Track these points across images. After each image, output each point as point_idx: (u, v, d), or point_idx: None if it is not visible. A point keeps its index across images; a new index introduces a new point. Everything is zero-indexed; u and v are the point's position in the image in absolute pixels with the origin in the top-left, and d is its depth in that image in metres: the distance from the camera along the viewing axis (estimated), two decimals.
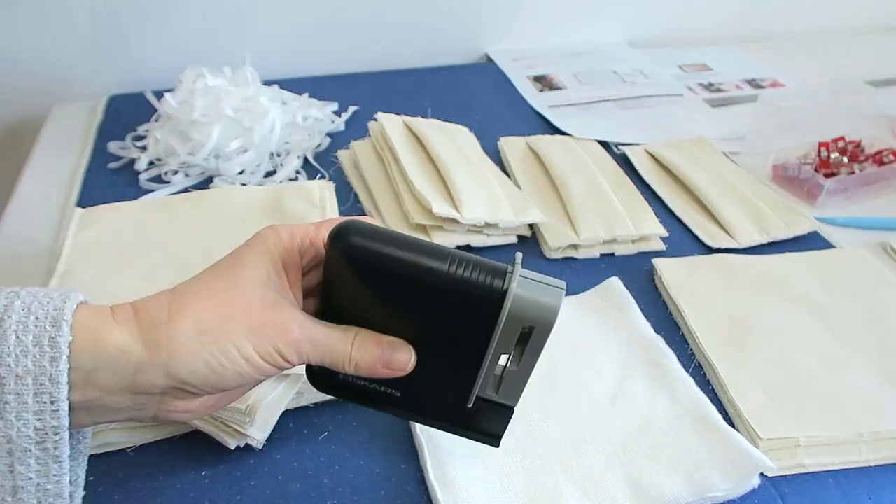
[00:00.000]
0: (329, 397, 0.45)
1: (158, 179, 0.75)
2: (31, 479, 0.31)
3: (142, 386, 0.32)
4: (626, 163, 0.80)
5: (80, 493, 0.35)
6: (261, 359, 0.33)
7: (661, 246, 0.68)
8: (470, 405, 0.38)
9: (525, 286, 0.33)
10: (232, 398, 0.37)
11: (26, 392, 0.29)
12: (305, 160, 0.79)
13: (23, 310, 0.30)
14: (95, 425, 0.35)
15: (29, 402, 0.29)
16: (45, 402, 0.30)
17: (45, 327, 0.30)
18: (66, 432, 0.30)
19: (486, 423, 0.39)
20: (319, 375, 0.39)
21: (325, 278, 0.36)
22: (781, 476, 0.47)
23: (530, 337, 0.34)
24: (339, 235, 0.34)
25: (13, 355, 0.29)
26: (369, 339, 0.36)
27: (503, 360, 0.37)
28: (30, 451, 0.30)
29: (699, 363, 0.55)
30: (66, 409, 0.30)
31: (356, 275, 0.34)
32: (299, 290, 0.37)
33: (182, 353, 0.32)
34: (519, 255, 0.34)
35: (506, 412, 0.39)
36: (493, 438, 0.40)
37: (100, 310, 0.32)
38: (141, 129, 0.83)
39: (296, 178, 0.76)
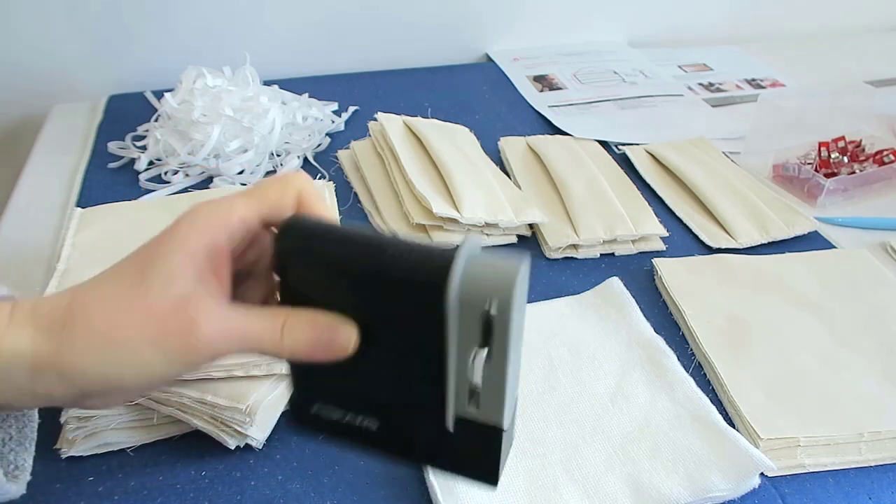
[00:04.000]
0: None
1: (158, 179, 0.75)
2: None
3: (42, 391, 0.29)
4: (626, 163, 0.80)
5: (26, 476, 0.34)
6: (164, 368, 0.29)
7: (661, 246, 0.68)
8: (450, 428, 0.32)
9: (474, 262, 0.29)
10: (156, 392, 0.34)
11: None
12: (305, 160, 0.79)
13: None
14: (34, 416, 0.34)
15: None
16: None
17: None
18: None
19: (474, 453, 0.33)
20: (296, 413, 0.36)
21: (277, 270, 0.33)
22: (781, 476, 0.47)
23: (493, 321, 0.29)
24: (280, 236, 0.31)
25: None
26: (303, 320, 0.30)
27: (478, 365, 0.31)
28: None
29: (699, 363, 0.55)
30: None
31: (301, 273, 0.32)
32: (224, 276, 0.31)
33: (74, 364, 0.29)
34: (472, 236, 0.30)
35: (494, 437, 0.32)
36: (488, 475, 0.33)
37: (0, 308, 0.30)
38: (141, 129, 0.83)
39: None
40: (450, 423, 0.32)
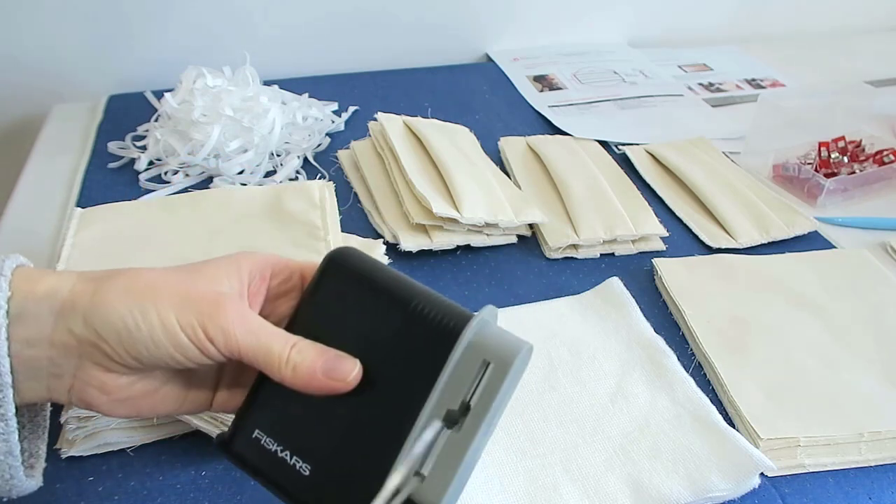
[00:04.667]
0: None
1: (158, 179, 0.75)
2: None
3: (60, 335, 0.31)
4: (626, 163, 0.80)
5: (42, 464, 0.35)
6: (180, 329, 0.31)
7: (661, 246, 0.68)
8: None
9: (488, 330, 0.31)
10: (155, 405, 0.34)
11: None
12: (305, 160, 0.79)
13: None
14: (46, 405, 0.35)
15: None
16: None
17: None
18: (9, 390, 0.30)
19: None
20: (230, 437, 0.34)
21: (300, 299, 0.35)
22: (781, 476, 0.47)
23: (482, 382, 0.30)
24: (332, 255, 0.35)
25: None
26: (312, 347, 0.32)
27: (439, 436, 0.30)
28: None
29: (699, 363, 0.55)
30: (8, 365, 0.30)
31: (331, 296, 0.34)
32: (258, 303, 0.35)
33: (103, 303, 0.31)
34: (490, 308, 0.33)
35: None
36: None
37: (37, 269, 0.32)
38: (141, 129, 0.83)
39: (296, 178, 0.76)
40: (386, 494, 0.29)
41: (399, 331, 0.32)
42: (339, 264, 0.35)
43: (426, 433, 0.30)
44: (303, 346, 0.32)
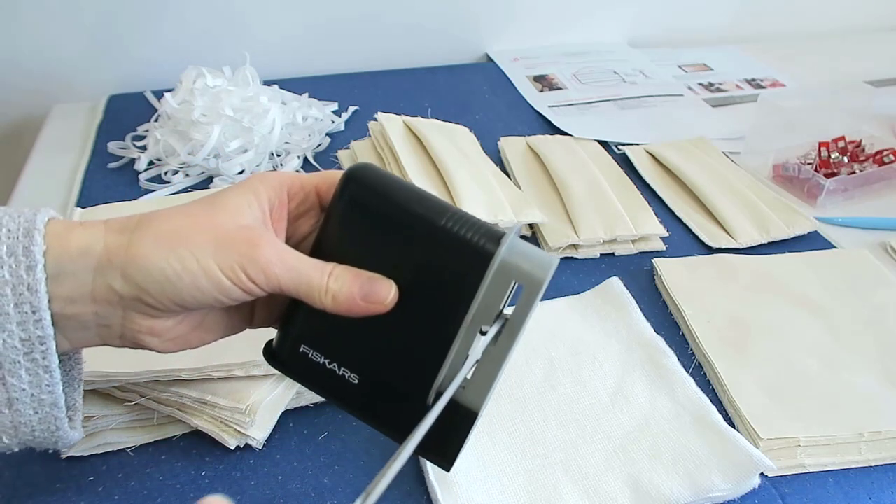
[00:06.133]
0: None
1: (158, 179, 0.75)
2: (24, 389, 0.31)
3: (101, 291, 0.31)
4: (626, 163, 0.80)
5: (79, 416, 0.35)
6: (222, 274, 0.31)
7: (661, 246, 0.68)
8: (430, 400, 0.34)
9: (519, 246, 0.33)
10: (203, 336, 0.35)
11: (6, 303, 0.29)
12: (305, 160, 0.79)
13: None
14: (75, 350, 0.35)
15: (11, 313, 0.29)
16: (26, 313, 0.29)
17: (17, 237, 0.30)
18: (52, 342, 0.30)
19: (440, 433, 0.32)
20: (278, 350, 0.36)
21: (324, 220, 0.35)
22: (781, 476, 0.47)
23: (517, 304, 0.33)
24: (350, 173, 0.34)
25: None
26: (348, 272, 0.33)
27: (479, 347, 0.33)
28: (19, 362, 0.30)
29: (699, 363, 0.55)
30: (49, 318, 0.30)
31: (356, 215, 0.34)
32: (281, 230, 0.36)
33: (140, 256, 0.30)
34: (517, 225, 0.34)
35: (466, 421, 0.34)
36: (447, 457, 0.34)
37: (67, 221, 0.32)
38: (141, 129, 0.83)
39: None
40: (431, 396, 0.34)
41: (429, 249, 0.32)
42: (358, 182, 0.34)
43: (476, 348, 0.33)
44: (338, 273, 0.33)
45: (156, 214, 0.32)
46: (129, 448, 0.46)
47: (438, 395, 0.33)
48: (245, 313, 0.37)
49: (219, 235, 0.31)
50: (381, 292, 0.33)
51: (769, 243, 0.68)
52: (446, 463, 0.34)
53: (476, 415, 0.33)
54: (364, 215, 0.34)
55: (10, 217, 0.31)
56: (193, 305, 0.32)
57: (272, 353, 0.37)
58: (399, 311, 0.33)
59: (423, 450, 0.33)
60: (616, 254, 0.67)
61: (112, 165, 0.78)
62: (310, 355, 0.35)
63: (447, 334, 0.33)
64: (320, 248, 0.35)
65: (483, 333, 0.33)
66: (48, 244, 0.30)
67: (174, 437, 0.47)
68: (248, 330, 0.38)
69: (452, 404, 0.33)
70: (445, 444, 0.34)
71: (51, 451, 0.44)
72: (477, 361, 0.33)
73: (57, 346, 0.31)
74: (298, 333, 0.36)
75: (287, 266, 0.32)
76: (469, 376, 0.33)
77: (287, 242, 0.36)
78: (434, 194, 0.34)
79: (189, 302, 0.32)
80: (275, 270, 0.32)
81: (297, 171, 0.77)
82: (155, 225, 0.32)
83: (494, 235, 0.32)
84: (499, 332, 0.33)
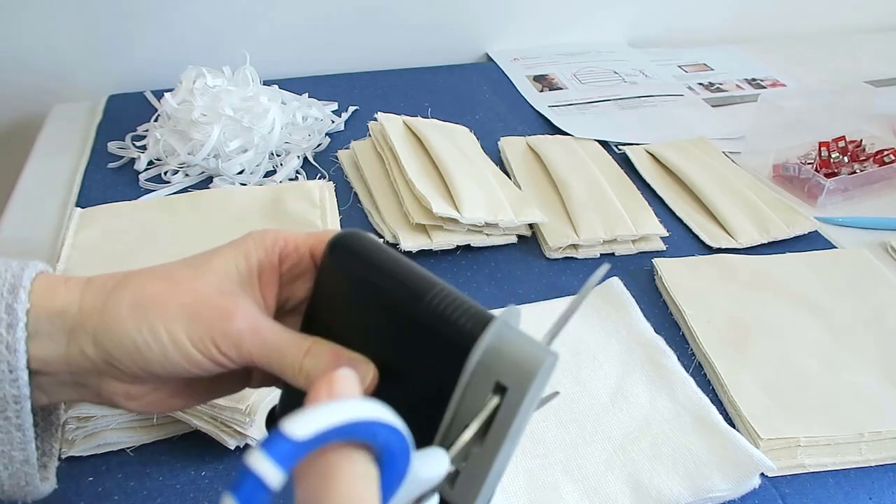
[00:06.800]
0: None
1: (158, 179, 0.75)
2: None
3: (74, 355, 0.30)
4: (626, 163, 0.80)
5: (55, 462, 0.35)
6: (192, 346, 0.30)
7: (661, 246, 0.68)
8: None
9: (505, 337, 0.28)
10: (187, 400, 0.34)
11: None
12: (305, 160, 0.79)
13: None
14: (53, 405, 0.34)
15: None
16: (3, 371, 0.29)
17: (2, 294, 0.29)
18: (27, 402, 0.30)
19: None
20: (280, 417, 0.34)
21: (312, 288, 0.33)
22: (781, 476, 0.47)
23: (500, 407, 0.28)
24: (337, 240, 0.32)
25: None
26: (326, 349, 0.31)
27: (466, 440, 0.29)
28: None
29: (699, 363, 0.55)
30: (26, 377, 0.30)
31: (341, 284, 0.32)
32: (272, 294, 0.34)
33: (111, 322, 0.30)
34: (514, 309, 0.30)
35: None
36: None
37: (54, 278, 0.31)
38: (141, 129, 0.83)
39: (296, 178, 0.76)
40: None
41: (412, 330, 0.29)
42: (342, 251, 0.32)
43: (458, 443, 0.28)
44: (316, 351, 0.31)
45: (136, 275, 0.32)
46: (129, 448, 0.46)
47: (421, 497, 0.28)
48: (239, 375, 0.35)
49: (194, 304, 0.30)
50: (361, 375, 0.30)
51: (769, 243, 0.68)
52: None
53: None
54: (349, 287, 0.31)
55: None
56: (165, 375, 0.31)
57: (274, 420, 0.35)
58: (385, 392, 0.30)
59: None
60: (616, 254, 0.67)
61: (112, 165, 0.77)
62: None
63: (430, 426, 0.29)
64: (308, 319, 0.33)
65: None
66: (31, 302, 0.30)
67: (174, 437, 0.47)
68: None
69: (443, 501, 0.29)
70: None
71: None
72: (462, 462, 0.29)
73: (34, 401, 0.31)
74: (298, 403, 0.32)
75: (260, 340, 0.30)
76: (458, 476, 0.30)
77: (283, 307, 0.35)
78: (421, 268, 0.31)
79: (159, 371, 0.31)
80: (247, 345, 0.30)
81: (297, 171, 0.77)
82: (132, 287, 0.31)
83: (480, 321, 0.28)
84: (488, 431, 0.29)
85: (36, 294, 0.30)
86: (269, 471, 0.20)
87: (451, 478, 0.29)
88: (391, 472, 0.24)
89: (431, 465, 0.27)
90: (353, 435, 0.22)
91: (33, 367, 0.30)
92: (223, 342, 0.30)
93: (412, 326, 0.29)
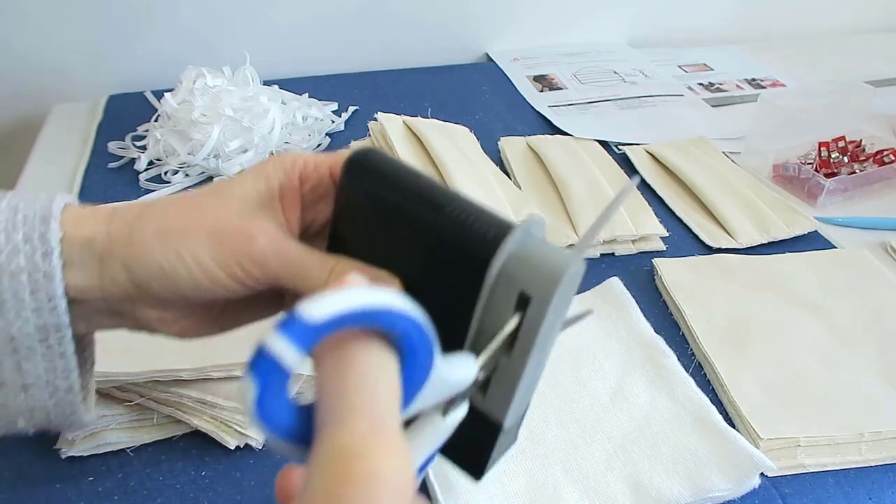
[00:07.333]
0: None
1: (158, 179, 0.75)
2: (40, 376, 0.31)
3: (106, 282, 0.31)
4: (626, 163, 0.80)
5: (93, 397, 0.35)
6: (218, 268, 0.30)
7: (661, 246, 0.68)
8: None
9: (528, 244, 0.27)
10: (225, 323, 0.35)
11: (22, 290, 0.29)
12: None
13: (10, 209, 0.30)
14: (92, 341, 0.35)
15: (26, 300, 0.29)
16: (42, 300, 0.29)
17: (34, 224, 0.30)
18: (67, 329, 0.30)
19: (467, 441, 0.30)
20: None
21: (333, 208, 0.33)
22: (781, 476, 0.47)
23: (524, 316, 0.28)
24: (353, 158, 0.32)
25: (4, 253, 0.29)
26: (351, 267, 0.31)
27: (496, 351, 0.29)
28: (34, 348, 0.30)
29: (699, 363, 0.55)
30: (65, 305, 0.30)
31: (360, 202, 0.32)
32: (295, 216, 0.34)
33: (138, 249, 0.30)
34: (537, 216, 0.29)
35: (491, 433, 0.31)
36: (474, 467, 0.32)
37: (81, 208, 0.32)
38: (141, 129, 0.83)
39: None
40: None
41: (434, 240, 0.29)
42: (360, 169, 0.32)
43: (486, 352, 0.28)
44: (341, 269, 0.31)
45: (157, 204, 0.32)
46: (129, 448, 0.46)
47: (451, 402, 0.30)
48: (272, 299, 0.35)
49: (216, 228, 0.31)
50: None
51: (769, 243, 0.68)
52: (475, 474, 0.32)
53: (498, 426, 0.30)
54: (368, 205, 0.31)
55: (26, 202, 0.30)
56: (195, 298, 0.32)
57: None
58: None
59: (453, 457, 0.31)
60: (616, 254, 0.67)
61: (112, 165, 0.78)
62: None
63: (457, 340, 0.30)
64: (333, 240, 0.34)
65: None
66: (63, 231, 0.30)
67: (174, 437, 0.47)
68: (248, 329, 0.38)
69: (474, 412, 0.30)
70: (473, 454, 0.32)
71: (55, 448, 0.45)
72: (492, 372, 0.30)
73: (74, 330, 0.31)
74: None
75: (283, 260, 0.31)
76: (489, 382, 0.30)
77: (309, 230, 0.35)
78: (439, 182, 0.31)
79: (190, 295, 0.31)
80: (271, 265, 0.31)
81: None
82: (155, 216, 0.31)
83: (502, 228, 0.27)
84: (514, 341, 0.29)
85: (66, 223, 0.30)
86: (285, 351, 0.20)
87: (483, 387, 0.30)
88: (412, 364, 0.24)
89: (459, 368, 0.27)
90: (370, 321, 0.22)
91: (70, 295, 0.30)
92: (248, 263, 0.30)
93: (433, 238, 0.29)
